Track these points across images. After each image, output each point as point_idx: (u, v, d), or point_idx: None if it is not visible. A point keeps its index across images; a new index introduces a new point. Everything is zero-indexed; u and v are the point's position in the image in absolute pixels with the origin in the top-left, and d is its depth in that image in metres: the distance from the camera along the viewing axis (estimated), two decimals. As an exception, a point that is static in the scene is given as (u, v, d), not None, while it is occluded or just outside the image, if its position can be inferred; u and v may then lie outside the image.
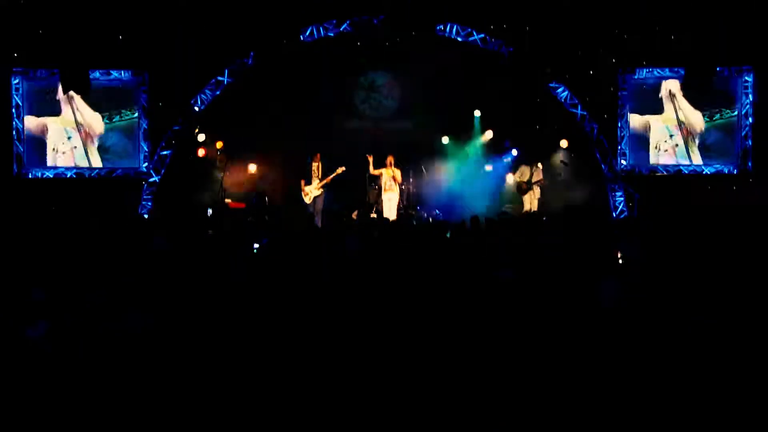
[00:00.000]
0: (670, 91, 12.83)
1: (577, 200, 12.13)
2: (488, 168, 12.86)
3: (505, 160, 12.93)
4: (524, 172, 12.35)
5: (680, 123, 12.87)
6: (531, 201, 12.21)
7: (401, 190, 12.56)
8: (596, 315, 4.45)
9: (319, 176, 12.03)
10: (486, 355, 4.00)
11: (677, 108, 12.85)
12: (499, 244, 6.45)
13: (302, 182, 12.09)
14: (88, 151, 12.77)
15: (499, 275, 5.17)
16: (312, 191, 12.01)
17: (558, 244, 6.54)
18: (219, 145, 12.66)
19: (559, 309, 4.43)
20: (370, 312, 4.48)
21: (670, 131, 12.91)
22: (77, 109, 12.70)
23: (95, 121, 12.77)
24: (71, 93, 12.60)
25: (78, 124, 12.72)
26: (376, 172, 12.12)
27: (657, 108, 12.92)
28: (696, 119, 12.88)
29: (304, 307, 4.47)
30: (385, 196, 12.08)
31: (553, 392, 3.66)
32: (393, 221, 11.21)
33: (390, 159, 12.01)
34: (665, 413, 3.50)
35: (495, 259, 5.89)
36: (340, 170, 11.93)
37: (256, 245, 7.37)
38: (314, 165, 12.05)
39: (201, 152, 12.52)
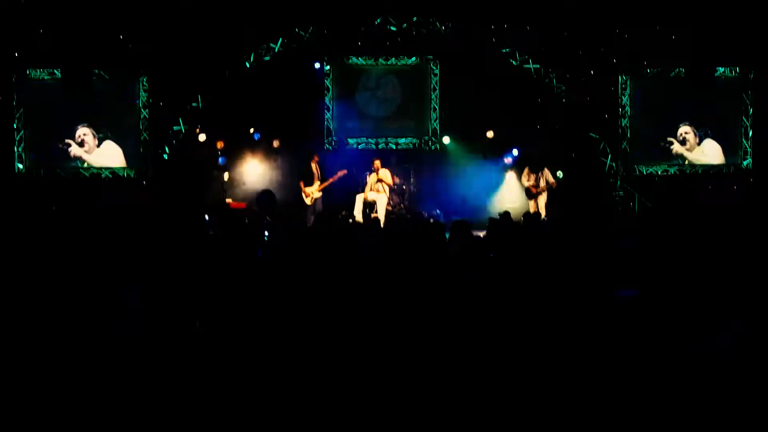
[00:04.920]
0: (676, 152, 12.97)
1: (577, 201, 12.16)
2: (507, 161, 12.88)
3: (506, 160, 12.91)
4: (530, 176, 12.21)
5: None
6: (540, 205, 12.12)
7: (402, 191, 12.58)
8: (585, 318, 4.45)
9: (319, 178, 11.95)
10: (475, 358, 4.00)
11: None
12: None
13: (301, 184, 11.98)
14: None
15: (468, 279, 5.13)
16: (313, 193, 11.88)
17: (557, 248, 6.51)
18: (219, 145, 12.67)
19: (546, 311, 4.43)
20: (369, 310, 4.48)
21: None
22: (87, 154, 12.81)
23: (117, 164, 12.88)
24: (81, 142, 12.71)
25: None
26: (370, 186, 12.09)
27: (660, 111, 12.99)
28: (714, 158, 12.98)
29: (308, 305, 4.47)
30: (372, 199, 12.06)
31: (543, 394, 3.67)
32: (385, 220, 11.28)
33: (376, 163, 11.99)
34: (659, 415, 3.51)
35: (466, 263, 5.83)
36: (341, 173, 11.91)
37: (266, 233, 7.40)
38: (313, 166, 11.96)
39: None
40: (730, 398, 3.54)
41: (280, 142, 12.91)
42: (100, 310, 4.22)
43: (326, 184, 11.91)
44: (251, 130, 12.82)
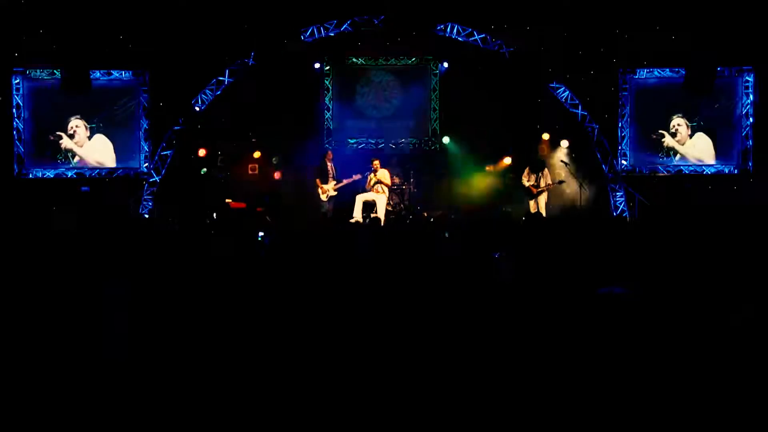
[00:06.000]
0: (667, 145, 12.97)
1: (578, 201, 12.15)
2: (489, 168, 12.80)
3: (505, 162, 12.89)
4: (531, 176, 12.14)
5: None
6: (539, 204, 12.07)
7: (401, 191, 12.59)
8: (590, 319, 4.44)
9: (333, 176, 12.03)
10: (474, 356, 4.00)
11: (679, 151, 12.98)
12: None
13: (318, 181, 12.06)
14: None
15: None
16: (330, 190, 12.00)
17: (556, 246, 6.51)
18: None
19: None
20: (372, 309, 4.48)
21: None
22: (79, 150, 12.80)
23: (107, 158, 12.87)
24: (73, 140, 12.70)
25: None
26: (369, 187, 12.09)
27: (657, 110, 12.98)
28: (704, 151, 12.97)
29: (304, 304, 4.47)
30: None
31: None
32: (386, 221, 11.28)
33: (375, 163, 11.99)
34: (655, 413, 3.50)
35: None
36: (356, 177, 11.97)
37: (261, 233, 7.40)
38: (328, 164, 12.08)
39: (202, 152, 12.55)
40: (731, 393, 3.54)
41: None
42: (90, 309, 4.22)
43: (342, 184, 12.00)
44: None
